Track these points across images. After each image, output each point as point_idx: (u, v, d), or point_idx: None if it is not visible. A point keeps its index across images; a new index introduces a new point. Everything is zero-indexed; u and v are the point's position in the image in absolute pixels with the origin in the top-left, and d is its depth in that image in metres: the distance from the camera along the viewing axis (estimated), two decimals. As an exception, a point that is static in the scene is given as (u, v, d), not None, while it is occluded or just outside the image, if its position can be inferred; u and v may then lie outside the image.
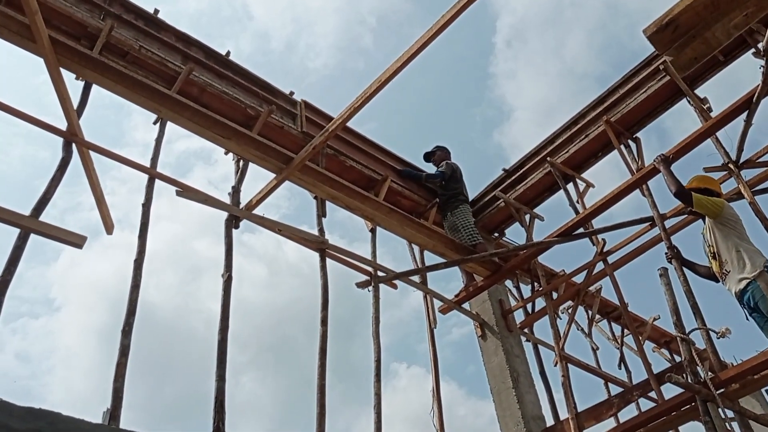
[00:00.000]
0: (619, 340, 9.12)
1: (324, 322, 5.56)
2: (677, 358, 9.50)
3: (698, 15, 4.17)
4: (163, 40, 6.08)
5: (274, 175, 5.94)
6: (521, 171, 7.95)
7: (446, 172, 7.68)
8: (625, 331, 9.50)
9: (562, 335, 7.72)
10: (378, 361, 5.74)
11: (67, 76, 5.13)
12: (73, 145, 4.95)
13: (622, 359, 8.70)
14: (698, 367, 4.77)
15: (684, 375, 4.79)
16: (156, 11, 6.26)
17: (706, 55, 4.40)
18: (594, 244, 7.32)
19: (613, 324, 9.38)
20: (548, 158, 7.57)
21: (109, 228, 5.52)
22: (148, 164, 5.39)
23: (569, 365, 7.34)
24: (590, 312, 8.77)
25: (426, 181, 7.53)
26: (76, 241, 3.90)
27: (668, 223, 6.42)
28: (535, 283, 8.20)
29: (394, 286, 6.70)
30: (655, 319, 9.31)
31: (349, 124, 5.68)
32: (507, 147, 23.46)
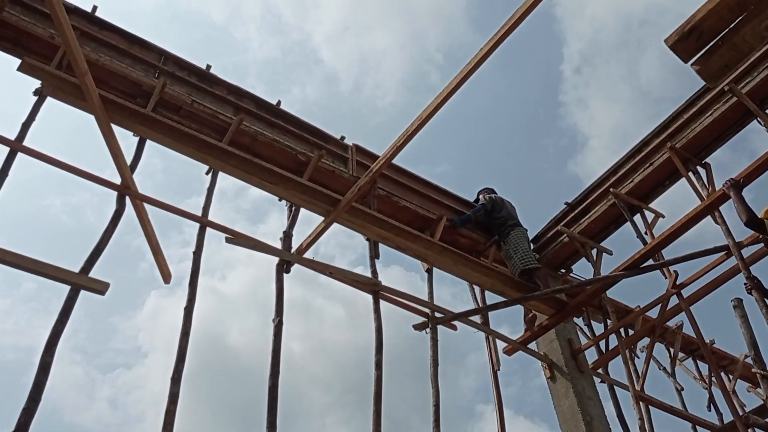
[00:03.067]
0: (706, 380, 8.51)
1: (378, 365, 5.44)
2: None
3: (723, 19, 3.89)
4: (215, 94, 6.29)
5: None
6: (584, 204, 7.67)
7: (486, 204, 7.50)
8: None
9: (640, 375, 7.28)
10: (437, 405, 5.55)
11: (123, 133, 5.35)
12: (127, 198, 5.12)
13: (711, 400, 8.12)
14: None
15: None
16: (208, 66, 6.50)
17: (738, 61, 4.11)
18: (666, 277, 6.90)
19: (700, 363, 8.80)
20: (612, 189, 7.28)
21: (166, 277, 5.63)
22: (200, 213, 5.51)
23: (651, 407, 6.89)
24: (672, 350, 8.23)
25: (475, 217, 7.35)
26: (98, 287, 3.98)
27: (746, 252, 5.98)
28: (608, 320, 7.80)
29: (454, 327, 6.51)
30: (746, 356, 8.63)
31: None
32: (583, 177, 22.78)
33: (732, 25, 4.02)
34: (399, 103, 22.09)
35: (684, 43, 4.03)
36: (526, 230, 7.58)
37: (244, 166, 5.49)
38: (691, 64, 4.12)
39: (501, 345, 7.05)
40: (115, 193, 5.09)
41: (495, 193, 7.90)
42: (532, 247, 7.53)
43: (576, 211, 7.70)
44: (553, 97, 21.29)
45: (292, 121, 6.75)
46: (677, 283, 6.86)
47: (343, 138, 7.09)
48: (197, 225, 5.47)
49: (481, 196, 7.83)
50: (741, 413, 6.33)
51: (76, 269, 4.36)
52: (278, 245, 5.80)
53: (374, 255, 6.25)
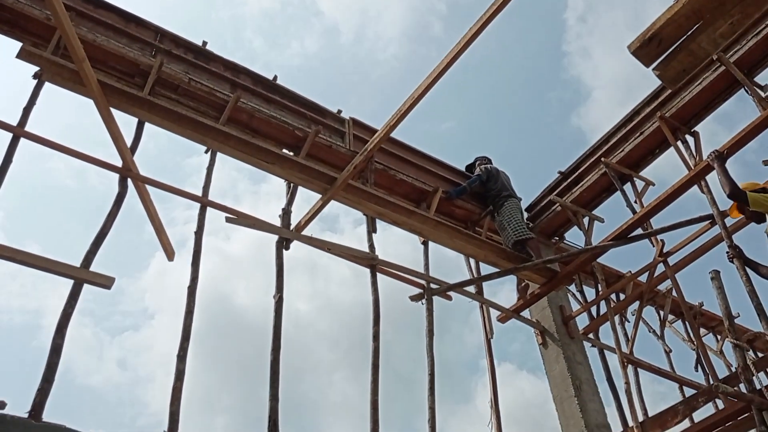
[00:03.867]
0: (695, 341, 8.76)
1: (376, 337, 5.62)
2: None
3: (681, 27, 4.02)
4: (211, 71, 6.33)
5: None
6: (577, 173, 7.78)
7: (482, 175, 7.60)
8: (703, 330, 9.14)
9: (629, 338, 7.51)
10: (432, 375, 5.74)
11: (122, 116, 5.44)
12: (129, 180, 5.24)
13: (698, 361, 8.34)
14: (753, 376, 4.52)
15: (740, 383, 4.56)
16: (204, 43, 6.53)
17: (695, 67, 4.26)
18: (653, 245, 7.07)
19: (689, 324, 9.03)
20: (603, 159, 7.38)
21: (170, 255, 5.78)
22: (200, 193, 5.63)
23: (640, 370, 7.13)
24: (662, 313, 8.46)
25: (470, 188, 7.47)
26: (104, 282, 4.14)
27: (729, 222, 6.12)
28: (599, 286, 8.00)
29: (449, 298, 6.69)
30: (735, 317, 8.87)
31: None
32: (587, 130, 22.45)
33: (689, 33, 4.17)
34: (401, 55, 21.64)
35: (645, 49, 4.18)
36: (520, 200, 7.71)
37: (241, 147, 5.58)
38: (652, 69, 4.25)
39: (495, 313, 7.24)
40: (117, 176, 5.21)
41: (490, 162, 7.99)
42: (525, 217, 7.67)
43: (569, 180, 7.81)
44: (557, 48, 20.76)
45: (288, 96, 6.80)
46: (664, 251, 7.02)
47: (339, 112, 7.14)
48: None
49: (477, 167, 7.94)
50: (725, 375, 6.58)
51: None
52: (278, 222, 5.94)
53: (371, 229, 6.38)
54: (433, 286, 6.49)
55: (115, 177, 5.18)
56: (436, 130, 19.58)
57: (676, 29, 4.07)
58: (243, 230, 5.57)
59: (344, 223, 20.00)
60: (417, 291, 6.45)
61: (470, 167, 7.98)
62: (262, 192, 20.02)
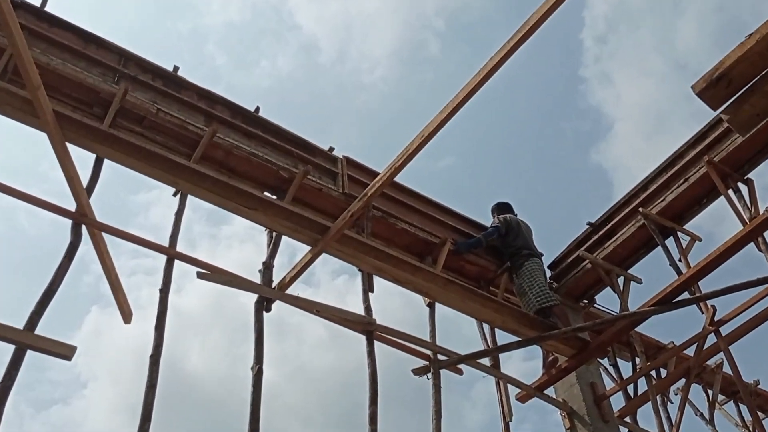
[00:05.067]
0: (750, 426, 8.74)
1: (373, 419, 5.58)
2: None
3: (754, 65, 4.13)
4: (183, 101, 6.42)
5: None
6: (609, 225, 7.87)
7: (500, 227, 7.67)
8: (761, 414, 9.12)
9: (674, 423, 7.48)
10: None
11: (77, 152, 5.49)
12: (83, 227, 5.27)
13: (755, 451, 8.34)
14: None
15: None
16: (176, 68, 6.63)
17: None
18: (702, 312, 7.11)
19: (743, 407, 9.02)
20: (641, 208, 7.48)
21: (127, 316, 5.79)
22: (166, 243, 5.66)
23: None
24: (710, 392, 8.46)
25: (487, 242, 7.53)
26: (65, 352, 4.14)
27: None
28: (637, 359, 8.01)
29: (459, 372, 6.67)
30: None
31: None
32: (609, 169, 22.23)
33: (764, 72, 4.26)
34: (390, 79, 21.66)
35: (712, 90, 4.26)
36: (542, 255, 7.76)
37: (218, 189, 5.63)
38: (721, 113, 4.35)
39: (513, 390, 7.22)
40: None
41: (511, 211, 8.07)
42: (548, 278, 7.71)
43: (600, 233, 7.89)
44: (573, 72, 20.91)
45: (272, 131, 6.89)
46: (715, 319, 7.06)
47: (331, 150, 7.23)
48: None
49: (493, 215, 8.01)
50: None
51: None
52: (257, 278, 5.96)
53: (368, 288, 6.40)
54: (440, 357, 6.47)
55: (56, 220, 5.20)
56: (433, 167, 19.68)
57: (748, 68, 4.15)
58: (196, 281, 5.57)
59: (321, 274, 19.92)
60: (420, 362, 6.43)
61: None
62: (222, 236, 19.94)
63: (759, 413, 8.95)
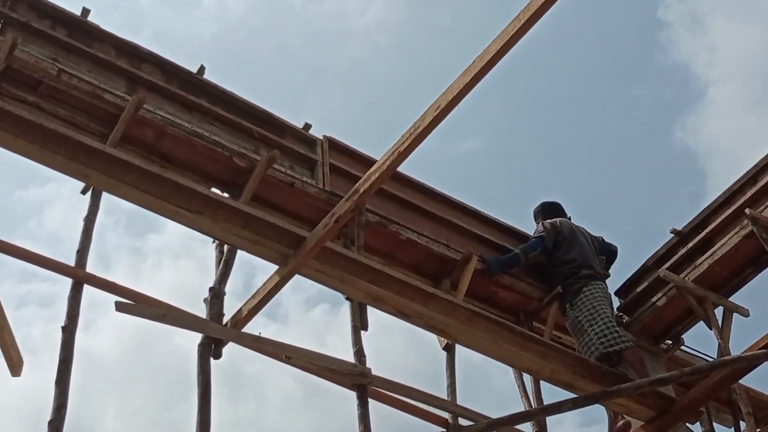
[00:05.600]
0: None
1: None
2: None
3: None
4: (96, 58, 6.41)
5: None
6: (703, 233, 7.84)
7: (546, 238, 7.69)
8: None
9: None
10: None
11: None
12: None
13: None
14: None
15: None
16: (86, 11, 6.60)
17: None
18: (835, 356, 7.10)
19: None
20: (748, 210, 7.46)
21: (15, 367, 5.79)
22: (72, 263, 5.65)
23: None
24: None
25: (527, 259, 7.52)
26: None
27: None
28: (741, 423, 7.99)
29: (488, 443, 6.67)
30: None
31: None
32: (700, 153, 22.03)
33: None
34: (389, 24, 21.20)
35: None
36: (608, 276, 7.74)
37: (147, 185, 5.59)
38: None
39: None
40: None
41: (562, 214, 8.07)
42: (616, 310, 7.69)
43: (689, 246, 7.86)
44: (650, 15, 20.51)
45: (223, 101, 6.89)
46: None
47: (308, 127, 7.25)
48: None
49: (537, 220, 7.99)
50: None
51: None
52: (201, 311, 5.94)
53: (360, 324, 6.38)
54: (462, 422, 6.45)
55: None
56: (452, 152, 19.47)
57: None
58: (114, 316, 5.55)
59: (290, 303, 19.74)
60: (434, 429, 6.47)
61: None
62: (149, 249, 19.80)
63: None
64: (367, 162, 6.91)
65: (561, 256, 7.59)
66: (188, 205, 5.70)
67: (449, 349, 6.88)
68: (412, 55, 21.06)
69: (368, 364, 6.23)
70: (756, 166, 7.67)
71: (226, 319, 5.96)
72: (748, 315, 7.82)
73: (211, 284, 6.13)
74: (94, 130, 6.15)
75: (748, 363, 6.74)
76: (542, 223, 7.86)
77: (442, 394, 6.63)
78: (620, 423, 7.26)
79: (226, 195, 6.41)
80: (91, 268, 5.74)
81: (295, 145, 7.04)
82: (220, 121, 6.69)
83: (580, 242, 7.71)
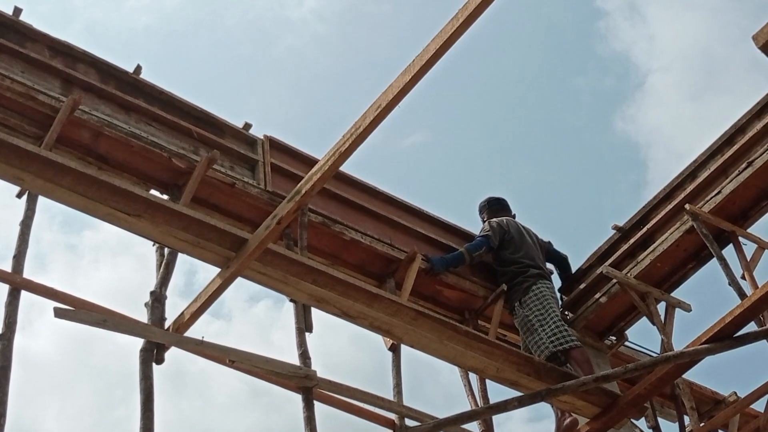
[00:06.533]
0: None
1: None
2: None
3: None
4: (30, 58, 6.35)
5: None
6: (645, 229, 7.91)
7: (492, 236, 7.70)
8: None
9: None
10: None
11: None
12: None
13: None
14: None
15: None
16: (17, 11, 6.52)
17: None
18: (776, 351, 7.18)
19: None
20: (688, 205, 7.52)
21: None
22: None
23: None
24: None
25: (472, 258, 7.53)
26: None
27: None
28: (685, 417, 8.05)
29: (436, 442, 6.65)
30: None
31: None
32: (641, 143, 22.02)
33: None
34: (329, 14, 20.90)
35: None
36: (552, 273, 7.76)
37: (84, 188, 5.46)
38: None
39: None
40: None
41: (507, 210, 8.08)
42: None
43: (631, 242, 7.94)
44: (588, 5, 20.54)
45: (161, 101, 6.88)
46: (795, 360, 7.12)
47: (248, 127, 7.25)
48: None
49: (483, 218, 7.99)
50: None
51: None
52: (142, 311, 5.87)
53: (304, 326, 6.35)
54: (408, 422, 6.43)
55: None
56: (396, 146, 19.39)
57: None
58: (53, 317, 5.45)
59: (233, 300, 19.56)
60: (381, 430, 6.48)
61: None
62: (86, 246, 19.45)
63: None
64: (309, 161, 6.91)
65: (508, 255, 7.63)
66: (127, 208, 5.58)
67: (395, 350, 6.87)
68: (353, 44, 20.96)
69: (314, 366, 6.20)
70: (695, 161, 7.76)
71: (168, 323, 5.88)
72: (690, 310, 7.91)
73: (152, 285, 6.07)
74: (28, 132, 6.11)
75: (690, 358, 6.77)
76: (488, 222, 7.88)
77: (388, 394, 6.59)
78: (568, 420, 7.29)
79: (165, 197, 6.39)
80: (26, 266, 5.64)
81: (236, 145, 7.02)
82: (158, 122, 6.67)
83: (528, 242, 7.77)
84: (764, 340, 7.02)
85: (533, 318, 7.29)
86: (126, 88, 6.69)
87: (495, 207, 8.09)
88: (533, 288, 7.43)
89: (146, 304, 5.95)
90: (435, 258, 7.45)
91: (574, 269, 8.37)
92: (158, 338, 5.70)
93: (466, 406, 7.29)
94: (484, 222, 8.04)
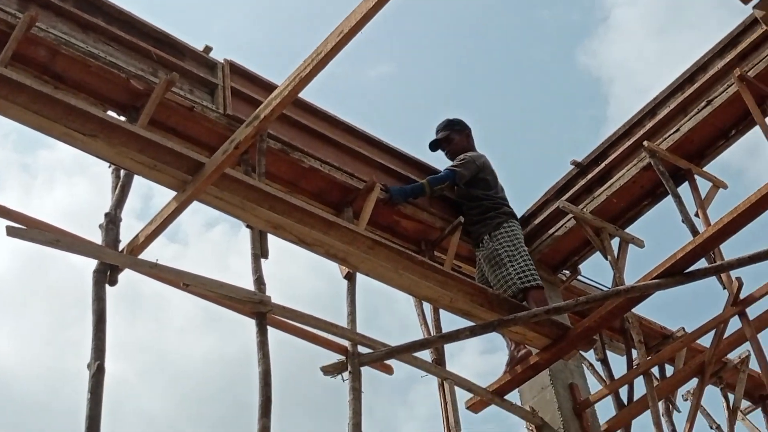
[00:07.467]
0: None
1: (264, 436, 5.57)
2: None
3: None
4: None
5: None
6: (603, 164, 7.96)
7: (461, 171, 7.71)
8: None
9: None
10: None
11: None
12: None
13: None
14: None
15: None
16: None
17: None
18: (724, 287, 7.27)
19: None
20: (646, 142, 7.56)
21: None
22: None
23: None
24: (731, 397, 8.71)
25: (432, 191, 7.54)
26: None
27: None
28: (634, 352, 8.17)
29: (389, 370, 6.74)
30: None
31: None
32: (603, 78, 22.10)
33: None
34: None
35: None
36: None
37: (39, 107, 5.39)
38: (753, 7, 4.31)
39: (463, 394, 7.33)
40: None
41: (470, 140, 8.13)
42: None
43: (589, 177, 7.99)
44: None
45: (120, 21, 6.74)
46: (740, 297, 7.24)
47: (208, 50, 7.15)
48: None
49: (445, 144, 8.06)
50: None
51: None
52: (97, 237, 5.83)
53: (260, 252, 6.35)
54: (362, 349, 6.50)
55: None
56: (360, 78, 19.22)
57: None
58: (7, 237, 5.41)
59: (189, 224, 19.47)
60: (334, 357, 6.48)
61: (438, 143, 8.14)
62: (40, 166, 19.21)
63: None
64: (270, 88, 6.80)
65: (480, 193, 7.68)
66: (82, 128, 5.53)
67: (350, 278, 6.89)
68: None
69: (269, 292, 6.21)
70: (655, 99, 7.81)
71: (122, 245, 5.85)
72: (644, 246, 8.02)
73: (107, 207, 6.01)
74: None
75: (640, 292, 6.87)
76: (466, 155, 7.87)
77: (343, 321, 6.64)
78: (522, 352, 7.38)
79: (122, 118, 6.31)
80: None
81: (195, 68, 6.94)
82: (117, 42, 6.55)
83: (500, 183, 7.87)
84: (713, 277, 7.16)
85: (503, 252, 7.36)
86: (85, 7, 6.55)
87: (466, 131, 8.16)
88: (505, 225, 7.50)
89: (101, 226, 5.90)
90: (394, 188, 7.46)
91: (531, 203, 8.42)
92: (112, 259, 5.68)
93: (419, 336, 7.35)
94: (454, 135, 8.09)
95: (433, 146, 8.19)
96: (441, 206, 7.83)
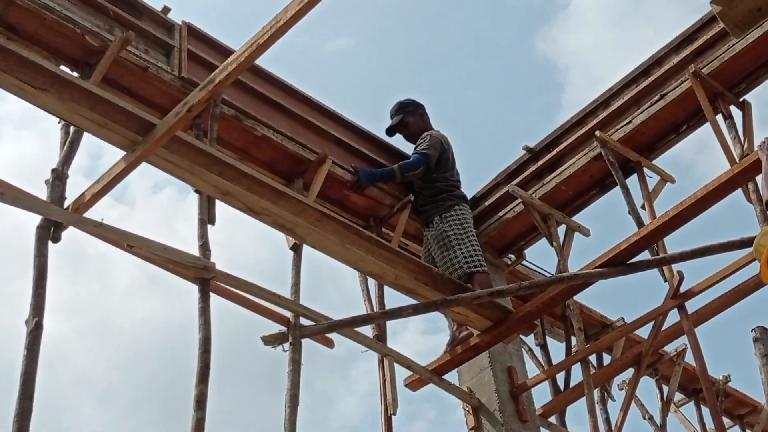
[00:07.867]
0: (712, 435, 9.19)
1: (200, 403, 5.54)
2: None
3: None
4: None
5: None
6: (554, 152, 8.00)
7: (430, 153, 7.70)
8: (726, 421, 9.60)
9: (614, 426, 7.80)
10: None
11: None
12: None
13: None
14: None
15: None
16: None
17: None
18: (665, 280, 7.36)
19: (706, 409, 9.45)
20: (598, 132, 7.61)
21: None
22: None
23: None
24: (665, 388, 8.83)
25: (404, 176, 7.60)
26: None
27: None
28: (573, 339, 8.25)
29: (330, 344, 6.74)
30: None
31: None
32: (560, 65, 22.17)
33: None
34: None
35: None
36: None
37: (-11, 57, 5.34)
38: (711, 2, 4.32)
39: (402, 372, 7.37)
40: None
41: (425, 118, 8.14)
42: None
43: (539, 164, 8.03)
44: None
45: (76, -26, 6.63)
46: (681, 290, 7.33)
47: (166, 11, 7.04)
48: None
49: (399, 123, 8.03)
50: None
51: None
52: (42, 193, 5.75)
53: (207, 218, 6.31)
54: (304, 321, 6.49)
55: None
56: (320, 50, 19.09)
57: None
58: None
59: (137, 186, 19.26)
60: (276, 327, 6.46)
61: (395, 128, 8.14)
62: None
63: (726, 419, 9.44)
64: (227, 53, 6.71)
65: (439, 174, 7.69)
66: (33, 81, 5.45)
67: (296, 249, 6.86)
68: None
69: (214, 259, 6.16)
70: (610, 89, 7.85)
71: (67, 203, 5.76)
72: (589, 235, 8.08)
73: (54, 163, 5.92)
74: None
75: (583, 280, 6.94)
76: (430, 135, 7.86)
77: (287, 292, 6.62)
78: (464, 333, 7.42)
79: (75, 74, 6.19)
80: None
81: (152, 28, 6.83)
82: (74, -3, 6.45)
83: (456, 165, 7.89)
84: (655, 269, 7.25)
85: (452, 235, 7.38)
86: (41, -42, 6.46)
87: (422, 112, 8.17)
88: (456, 208, 7.53)
89: (47, 182, 5.80)
90: (363, 171, 7.46)
91: (481, 185, 8.44)
92: (56, 216, 5.59)
93: (363, 311, 7.37)
94: (409, 118, 8.09)
95: (390, 132, 8.16)
96: (391, 183, 7.81)
